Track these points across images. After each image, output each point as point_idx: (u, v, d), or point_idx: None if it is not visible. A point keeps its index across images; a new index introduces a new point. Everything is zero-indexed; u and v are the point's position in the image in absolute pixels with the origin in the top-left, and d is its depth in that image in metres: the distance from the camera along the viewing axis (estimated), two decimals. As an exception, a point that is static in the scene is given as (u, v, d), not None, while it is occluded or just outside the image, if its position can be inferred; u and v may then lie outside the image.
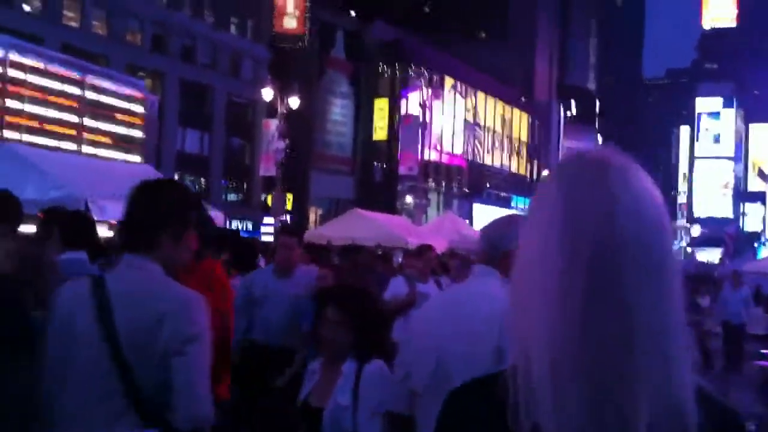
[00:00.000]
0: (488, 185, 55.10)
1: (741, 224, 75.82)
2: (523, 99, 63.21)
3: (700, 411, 1.06)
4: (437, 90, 51.28)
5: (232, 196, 41.98)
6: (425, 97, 49.20)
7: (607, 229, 1.06)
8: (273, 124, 33.67)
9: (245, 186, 42.67)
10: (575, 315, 1.04)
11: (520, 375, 1.07)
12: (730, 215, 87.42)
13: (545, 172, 1.53)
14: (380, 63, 46.98)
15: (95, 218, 6.69)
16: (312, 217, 42.08)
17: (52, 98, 14.25)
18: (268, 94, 30.14)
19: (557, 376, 1.04)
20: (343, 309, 3.23)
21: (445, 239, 18.70)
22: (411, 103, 47.98)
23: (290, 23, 43.06)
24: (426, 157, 48.10)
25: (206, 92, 39.69)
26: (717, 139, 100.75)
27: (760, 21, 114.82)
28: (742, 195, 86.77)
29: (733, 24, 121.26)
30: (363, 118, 46.63)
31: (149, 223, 2.47)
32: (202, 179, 39.83)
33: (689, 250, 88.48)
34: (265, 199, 38.83)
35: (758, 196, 73.85)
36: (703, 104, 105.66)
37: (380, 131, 46.86)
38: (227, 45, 40.77)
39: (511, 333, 1.13)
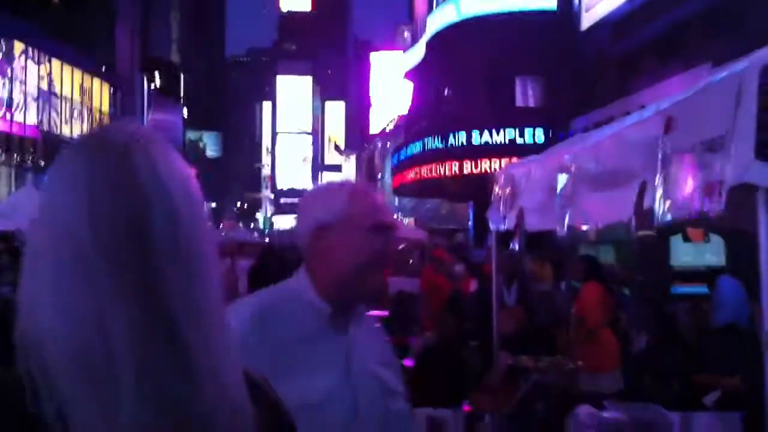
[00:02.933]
0: (67, 159, 51.68)
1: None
2: (104, 69, 60.37)
3: (253, 402, 1.05)
4: (6, 55, 46.57)
5: None
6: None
7: (134, 214, 1.00)
8: None
9: None
10: (104, 305, 0.96)
11: (40, 376, 0.95)
12: (310, 186, 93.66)
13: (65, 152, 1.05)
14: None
15: None
16: None
17: None
18: None
19: (95, 378, 0.95)
20: None
21: (24, 220, 16.18)
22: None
23: None
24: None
25: None
26: (296, 115, 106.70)
27: (331, 6, 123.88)
28: (320, 167, 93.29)
29: (308, 8, 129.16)
30: None
31: None
32: None
33: (274, 219, 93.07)
34: None
35: (335, 168, 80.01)
36: (283, 82, 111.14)
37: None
38: None
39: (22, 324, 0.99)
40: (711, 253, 12.81)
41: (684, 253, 13.53)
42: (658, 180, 2.58)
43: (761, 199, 2.16)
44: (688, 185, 2.35)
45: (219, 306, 1.05)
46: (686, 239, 13.35)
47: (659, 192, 2.56)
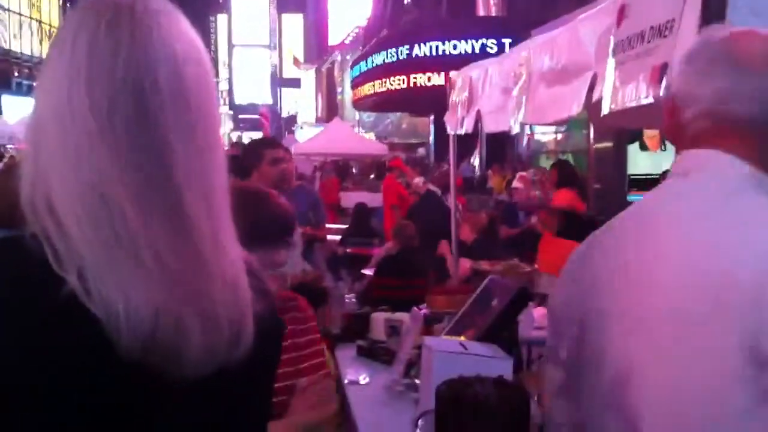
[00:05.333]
0: (17, 74, 50.14)
1: (279, 108, 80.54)
2: (52, -20, 57.91)
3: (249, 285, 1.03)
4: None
5: None
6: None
7: (145, 80, 0.96)
8: None
9: None
10: (104, 172, 0.94)
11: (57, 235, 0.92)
12: (269, 101, 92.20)
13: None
14: None
15: None
16: None
17: None
18: None
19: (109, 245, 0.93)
20: None
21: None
22: None
23: None
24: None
25: None
26: (253, 28, 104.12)
27: None
28: (279, 81, 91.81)
29: None
30: None
31: None
32: None
33: (233, 135, 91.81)
34: None
35: (294, 82, 78.74)
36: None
37: None
38: None
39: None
40: (667, 161, 12.98)
41: (641, 162, 13.68)
42: (608, 70, 2.56)
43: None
44: (636, 72, 2.31)
45: (223, 180, 1.02)
46: (643, 148, 13.47)
47: (608, 82, 2.54)
